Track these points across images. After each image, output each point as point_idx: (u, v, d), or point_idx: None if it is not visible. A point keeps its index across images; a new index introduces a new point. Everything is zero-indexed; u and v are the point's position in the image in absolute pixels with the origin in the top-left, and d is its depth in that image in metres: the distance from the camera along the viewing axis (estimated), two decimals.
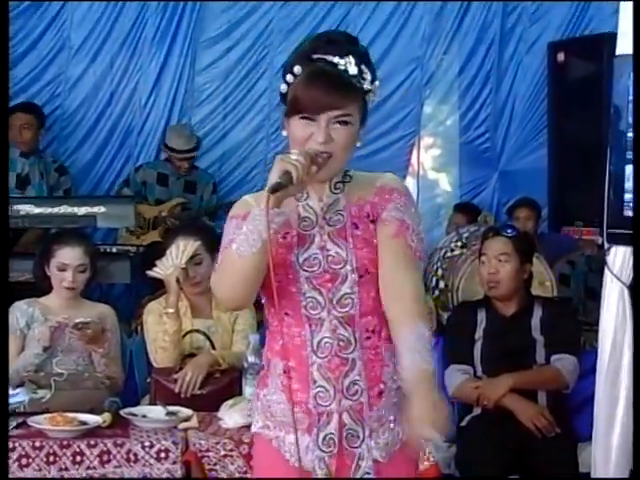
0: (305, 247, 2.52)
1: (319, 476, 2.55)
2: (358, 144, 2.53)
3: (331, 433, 2.54)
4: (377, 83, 2.53)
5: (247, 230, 2.42)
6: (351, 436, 2.55)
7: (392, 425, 2.57)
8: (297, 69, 2.47)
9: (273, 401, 2.58)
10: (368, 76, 2.50)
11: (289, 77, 2.50)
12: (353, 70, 2.47)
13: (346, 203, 2.55)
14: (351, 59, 2.47)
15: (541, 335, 4.51)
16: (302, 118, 2.46)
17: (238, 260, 2.43)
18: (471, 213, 6.99)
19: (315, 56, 2.47)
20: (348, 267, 2.52)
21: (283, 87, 2.52)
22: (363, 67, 2.49)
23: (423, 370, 2.41)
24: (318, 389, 2.53)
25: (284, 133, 2.55)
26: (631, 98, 3.81)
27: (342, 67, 2.47)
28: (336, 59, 2.46)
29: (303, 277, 2.52)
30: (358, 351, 2.52)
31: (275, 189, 2.38)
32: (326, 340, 2.52)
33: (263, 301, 2.62)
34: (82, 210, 5.73)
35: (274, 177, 2.39)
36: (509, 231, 4.65)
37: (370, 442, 2.55)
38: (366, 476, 2.56)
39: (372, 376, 2.54)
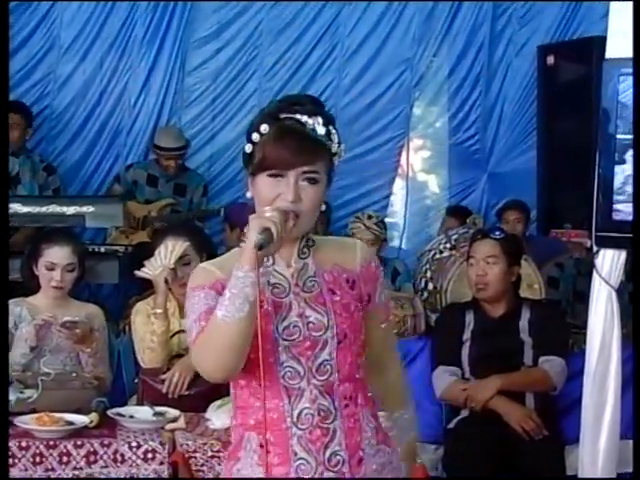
0: (283, 315, 2.44)
1: None
2: (323, 207, 2.48)
3: None
4: (342, 146, 2.48)
5: (231, 294, 2.29)
6: None
7: None
8: (264, 127, 2.42)
9: (247, 475, 2.46)
10: (335, 138, 2.46)
11: (255, 136, 2.43)
12: (321, 130, 2.43)
13: (316, 269, 2.50)
14: (319, 119, 2.43)
15: (529, 337, 4.52)
16: (270, 176, 2.41)
17: (224, 327, 2.30)
18: (463, 216, 6.99)
19: (282, 115, 2.43)
20: (329, 333, 2.45)
21: (248, 147, 2.45)
22: (331, 128, 2.45)
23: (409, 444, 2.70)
24: (299, 462, 2.44)
25: (248, 195, 2.48)
26: (621, 100, 3.82)
27: (310, 126, 2.43)
28: (304, 118, 2.43)
29: (282, 346, 2.43)
30: (338, 420, 2.45)
31: (261, 246, 2.29)
32: (306, 411, 2.44)
33: None
34: (71, 209, 5.72)
35: (253, 235, 2.29)
36: (497, 233, 4.67)
37: None
38: None
39: (352, 444, 2.47)
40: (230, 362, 2.35)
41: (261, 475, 2.43)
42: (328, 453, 2.45)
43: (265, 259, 2.41)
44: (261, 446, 2.43)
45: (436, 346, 4.67)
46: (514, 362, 4.50)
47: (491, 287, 4.55)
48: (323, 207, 2.48)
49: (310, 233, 2.53)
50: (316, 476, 2.44)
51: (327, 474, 2.44)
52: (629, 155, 3.85)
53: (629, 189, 3.85)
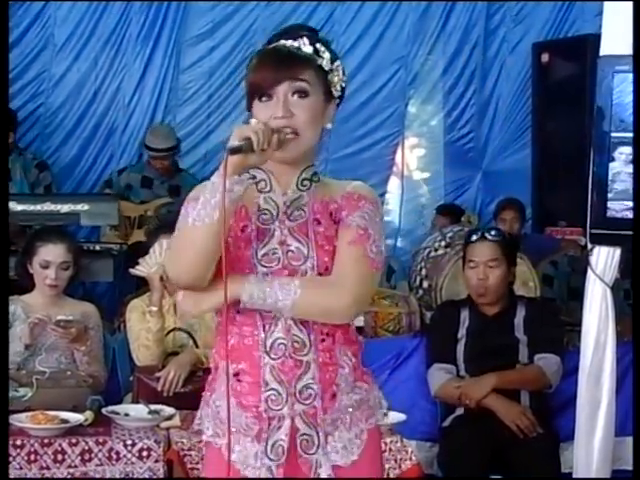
0: (264, 242, 2.41)
1: None
2: (329, 125, 2.46)
3: (281, 439, 2.41)
4: (338, 63, 2.46)
5: (204, 199, 2.31)
6: (306, 442, 2.43)
7: (348, 426, 2.46)
8: (252, 59, 2.44)
9: (222, 407, 2.43)
10: (326, 55, 2.43)
11: (246, 72, 2.44)
12: (307, 49, 2.41)
13: (309, 200, 2.45)
14: (305, 40, 2.42)
15: (524, 335, 4.51)
16: (260, 100, 2.39)
17: (194, 232, 2.31)
18: (454, 214, 6.99)
19: (268, 46, 2.46)
20: (308, 264, 2.40)
21: (244, 83, 2.45)
22: (319, 46, 2.43)
23: None
24: (270, 392, 2.40)
25: None
26: (615, 99, 3.82)
27: (294, 46, 2.42)
28: (289, 42, 2.43)
29: (260, 273, 2.39)
30: (313, 353, 2.41)
31: (234, 151, 2.27)
32: (280, 341, 2.40)
33: None
34: (65, 208, 5.71)
35: (232, 141, 2.28)
36: (493, 233, 4.61)
37: (327, 447, 2.44)
38: None
39: (326, 379, 2.42)
40: (197, 267, 2.34)
41: (233, 405, 2.41)
42: (300, 385, 2.41)
43: (264, 184, 2.43)
44: (235, 374, 2.41)
45: (431, 344, 4.66)
46: (509, 360, 4.49)
47: (491, 290, 4.53)
48: (329, 125, 2.44)
49: (315, 164, 2.49)
50: (286, 408, 2.40)
51: (297, 406, 2.41)
52: (618, 153, 3.86)
53: (622, 186, 3.86)
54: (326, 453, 2.44)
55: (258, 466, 2.42)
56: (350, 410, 2.46)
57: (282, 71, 2.37)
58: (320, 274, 2.41)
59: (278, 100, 2.37)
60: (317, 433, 2.43)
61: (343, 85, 2.48)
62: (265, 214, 2.43)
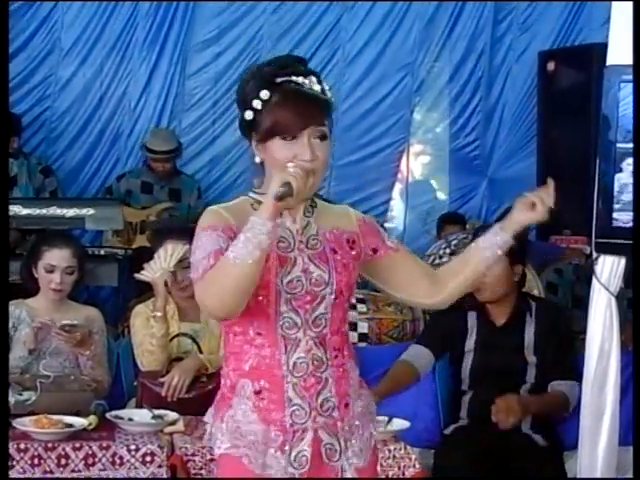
0: (287, 269, 2.56)
1: None
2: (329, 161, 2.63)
3: (304, 450, 2.58)
4: (333, 98, 2.62)
5: (245, 238, 2.38)
6: (329, 450, 2.61)
7: (361, 431, 2.66)
8: (264, 94, 2.52)
9: (241, 422, 2.57)
10: (329, 93, 2.59)
11: (256, 103, 2.53)
12: (317, 87, 2.56)
13: (318, 228, 2.64)
14: (312, 78, 2.56)
15: (534, 355, 4.42)
16: (283, 139, 2.52)
17: (233, 268, 2.39)
18: (459, 224, 6.98)
19: (279, 80, 2.53)
20: (328, 289, 2.59)
21: (248, 114, 2.55)
22: (324, 84, 2.58)
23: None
24: (294, 407, 2.57)
25: (257, 160, 2.57)
26: (621, 109, 3.82)
27: (309, 86, 2.55)
28: (300, 79, 2.54)
29: (284, 299, 2.55)
30: (329, 369, 2.61)
31: (280, 197, 2.38)
32: (302, 360, 2.57)
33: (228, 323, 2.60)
34: (70, 212, 5.73)
35: (275, 187, 2.39)
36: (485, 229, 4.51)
37: (347, 452, 2.63)
38: None
39: (341, 392, 2.62)
40: (233, 302, 2.44)
41: (255, 421, 2.56)
42: (320, 399, 2.59)
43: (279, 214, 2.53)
44: (255, 393, 2.56)
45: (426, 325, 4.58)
46: (516, 381, 4.42)
47: (490, 287, 4.39)
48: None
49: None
50: (309, 421, 2.58)
51: (319, 418, 2.59)
52: (626, 164, 3.86)
53: (629, 197, 3.86)
54: (348, 458, 2.63)
55: (281, 474, 2.57)
56: (361, 416, 2.67)
57: (309, 117, 2.51)
58: (336, 298, 2.60)
59: (303, 144, 2.51)
60: (338, 441, 2.62)
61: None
62: (283, 242, 2.58)
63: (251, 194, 2.63)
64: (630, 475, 4.69)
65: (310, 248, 2.61)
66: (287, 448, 2.57)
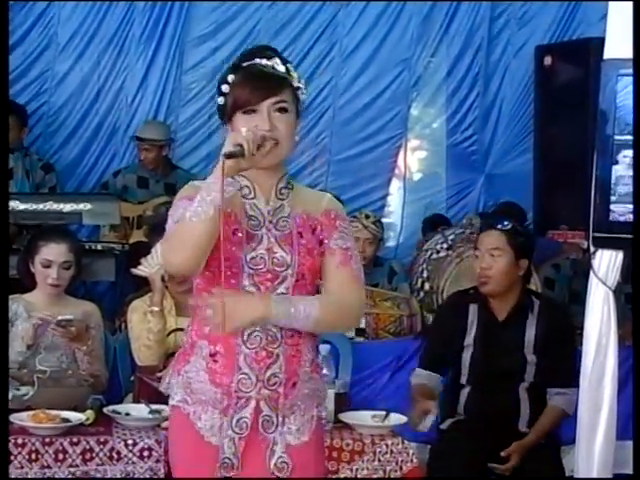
0: (253, 246, 2.75)
1: (226, 455, 2.77)
2: (296, 138, 2.80)
3: (245, 417, 2.77)
4: (303, 81, 2.82)
5: (200, 197, 2.60)
6: (266, 422, 2.79)
7: (302, 412, 2.83)
8: (230, 77, 2.75)
9: (194, 379, 2.78)
10: (295, 74, 2.80)
11: (224, 87, 2.76)
12: (281, 68, 2.76)
13: (290, 211, 2.81)
14: (277, 60, 2.77)
15: (533, 354, 4.40)
16: (244, 113, 2.72)
17: (191, 226, 2.60)
18: (439, 224, 6.96)
19: (245, 64, 2.76)
20: (289, 271, 2.76)
21: (220, 99, 2.77)
22: (289, 66, 2.79)
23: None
24: (242, 375, 2.75)
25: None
26: (618, 102, 3.82)
27: (270, 66, 2.76)
28: (264, 61, 2.76)
29: (247, 273, 2.74)
30: (282, 347, 2.77)
31: (230, 155, 2.59)
32: (257, 333, 2.74)
33: (196, 285, 2.81)
34: (67, 207, 5.72)
35: (227, 147, 2.61)
36: (505, 223, 4.48)
37: (283, 428, 2.81)
38: (280, 459, 2.80)
39: (290, 369, 2.78)
40: (192, 257, 2.64)
41: (205, 381, 2.76)
42: (269, 373, 2.77)
43: (247, 191, 2.79)
44: (210, 355, 2.76)
45: (426, 345, 4.57)
46: (514, 378, 4.40)
47: (494, 281, 4.37)
48: (296, 138, 2.80)
49: (287, 173, 2.85)
50: (254, 391, 2.75)
51: (264, 391, 2.76)
52: (622, 156, 3.86)
53: (625, 189, 3.86)
54: (282, 433, 2.81)
55: (222, 436, 2.78)
56: (306, 398, 2.83)
57: (266, 90, 2.72)
58: (297, 280, 2.77)
59: (262, 114, 2.72)
60: (277, 415, 2.80)
61: (304, 102, 2.86)
62: (253, 220, 2.78)
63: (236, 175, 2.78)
64: (628, 470, 4.71)
65: (278, 230, 2.79)
66: (230, 412, 2.76)
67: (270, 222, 2.79)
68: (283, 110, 2.74)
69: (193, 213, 2.60)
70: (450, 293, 5.08)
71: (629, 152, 3.83)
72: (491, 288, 4.40)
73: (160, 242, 2.75)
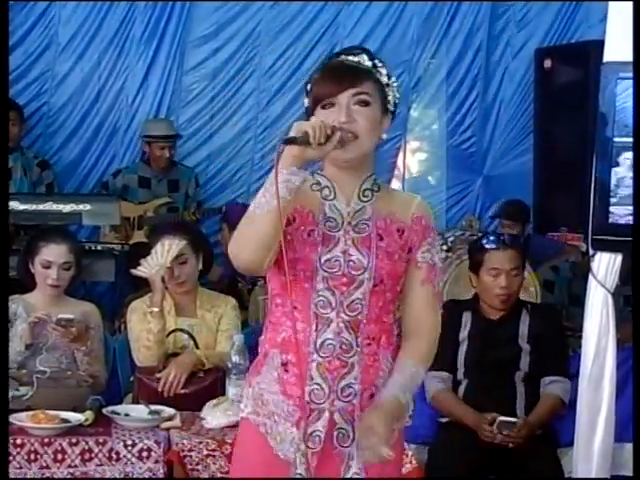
0: (329, 248, 2.59)
1: (298, 470, 2.60)
2: (384, 136, 2.65)
3: (318, 430, 2.60)
4: (394, 79, 2.67)
5: (263, 189, 2.47)
6: (342, 435, 2.61)
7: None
8: (315, 76, 2.64)
9: (265, 390, 2.64)
10: (384, 70, 2.64)
11: (309, 86, 2.64)
12: (366, 63, 2.62)
13: (372, 214, 2.64)
14: (364, 56, 2.63)
15: (527, 344, 4.47)
16: (323, 107, 2.57)
17: (254, 218, 2.48)
18: None
19: (328, 61, 2.68)
20: (366, 275, 2.59)
21: (305, 101, 2.65)
22: (377, 62, 2.64)
23: (395, 397, 2.59)
24: (314, 386, 2.60)
25: None
26: (618, 103, 3.83)
27: (354, 60, 2.62)
28: (350, 57, 2.63)
29: (321, 276, 2.59)
30: (358, 356, 2.60)
31: (288, 141, 2.43)
32: (329, 341, 2.60)
33: (271, 291, 2.68)
34: (67, 207, 5.73)
35: (291, 134, 2.45)
36: (512, 240, 4.63)
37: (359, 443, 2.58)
38: (355, 476, 2.62)
39: (367, 380, 2.61)
40: (255, 253, 2.50)
41: (277, 392, 2.63)
42: (343, 384, 2.60)
43: (328, 192, 2.63)
44: (282, 364, 2.62)
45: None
46: (510, 368, 4.46)
47: (513, 297, 4.53)
48: (384, 136, 2.64)
49: (374, 175, 2.67)
50: (327, 402, 2.59)
51: (338, 403, 2.60)
52: (623, 158, 3.86)
53: (625, 192, 3.87)
54: (360, 449, 2.59)
55: (293, 450, 2.61)
56: (386, 412, 2.58)
57: (345, 81, 2.56)
58: (375, 285, 2.60)
59: (340, 107, 2.55)
60: (353, 429, 2.61)
61: (397, 101, 2.68)
62: (330, 222, 2.62)
63: (315, 174, 2.68)
64: (625, 472, 4.72)
65: (356, 232, 2.62)
66: (303, 425, 2.60)
67: (349, 224, 2.62)
68: (364, 103, 2.57)
69: (257, 205, 2.48)
70: (450, 294, 5.13)
71: (629, 154, 3.85)
72: (509, 304, 4.52)
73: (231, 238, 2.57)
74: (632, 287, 4.20)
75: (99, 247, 5.99)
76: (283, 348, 2.62)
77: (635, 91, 3.78)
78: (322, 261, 2.58)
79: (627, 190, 3.87)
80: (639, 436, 3.88)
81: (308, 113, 2.63)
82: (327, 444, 2.61)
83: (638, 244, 3.82)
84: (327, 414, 2.60)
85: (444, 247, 5.46)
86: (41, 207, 5.66)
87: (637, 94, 3.78)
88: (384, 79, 2.63)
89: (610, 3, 3.93)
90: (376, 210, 2.65)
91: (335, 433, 2.61)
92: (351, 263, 2.59)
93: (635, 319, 4.05)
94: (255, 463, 2.66)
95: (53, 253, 4.38)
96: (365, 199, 2.65)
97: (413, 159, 7.96)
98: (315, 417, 2.61)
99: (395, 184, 7.78)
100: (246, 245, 2.51)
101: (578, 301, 5.26)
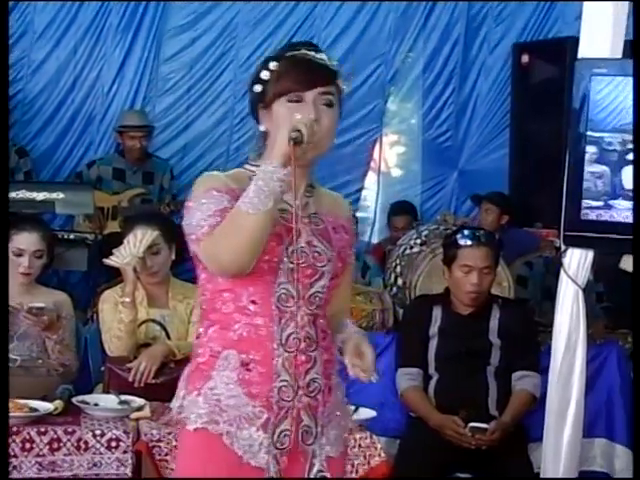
0: (292, 240, 2.50)
1: (272, 474, 2.49)
2: (334, 140, 2.58)
3: (286, 429, 2.50)
4: (345, 85, 2.60)
5: (257, 187, 2.36)
6: (306, 433, 2.53)
7: (339, 421, 2.59)
8: (273, 65, 2.52)
9: (223, 395, 2.48)
10: (340, 75, 2.57)
11: (265, 74, 2.52)
12: (334, 64, 2.56)
13: (316, 210, 2.60)
14: (323, 55, 2.55)
15: (498, 338, 4.48)
16: (289, 101, 2.49)
17: (246, 219, 2.36)
18: (409, 213, 6.99)
19: (288, 54, 2.55)
20: (327, 267, 2.55)
21: (257, 87, 2.54)
22: (332, 61, 2.57)
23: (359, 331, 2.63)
24: (282, 383, 2.49)
25: (261, 128, 2.55)
26: (592, 101, 3.84)
27: (320, 57, 2.54)
28: (312, 52, 2.54)
29: (285, 268, 2.49)
30: (319, 350, 2.53)
31: (294, 141, 2.38)
32: (294, 336, 2.50)
33: (213, 287, 2.53)
34: (41, 195, 5.70)
35: (286, 132, 2.38)
36: (486, 236, 4.60)
37: (322, 439, 2.55)
38: (320, 474, 2.56)
39: (326, 374, 2.54)
40: (248, 255, 2.40)
41: (239, 394, 2.48)
42: (308, 379, 2.51)
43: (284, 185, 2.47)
44: (242, 364, 2.48)
45: (400, 343, 4.65)
46: (481, 362, 4.48)
47: (483, 295, 4.53)
48: (335, 140, 2.57)
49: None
50: (295, 399, 2.50)
51: (304, 398, 2.51)
52: (591, 153, 3.88)
53: (597, 188, 3.88)
54: (321, 445, 2.56)
55: (263, 454, 2.49)
56: (341, 405, 2.61)
57: (316, 79, 2.50)
58: (332, 278, 2.56)
59: (308, 104, 2.48)
60: (316, 425, 2.54)
61: (341, 111, 2.61)
62: (284, 213, 2.52)
63: (247, 166, 2.58)
64: (596, 467, 4.75)
65: (314, 224, 2.57)
66: (270, 427, 2.49)
67: (303, 217, 2.55)
68: (329, 104, 2.51)
69: (249, 205, 2.35)
70: (423, 288, 5.13)
71: (591, 148, 3.86)
72: (479, 301, 4.52)
73: (203, 241, 2.43)
74: (631, 287, 4.20)
75: (72, 236, 5.95)
76: (241, 347, 2.48)
77: (635, 90, 3.79)
78: (289, 252, 2.49)
79: (600, 187, 3.89)
80: (639, 436, 3.90)
81: (260, 102, 2.54)
82: (294, 443, 2.51)
83: (638, 242, 3.82)
84: (294, 412, 2.50)
85: (418, 241, 5.46)
86: (14, 195, 5.61)
87: (637, 93, 3.78)
88: (341, 83, 2.57)
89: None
90: (319, 206, 2.61)
91: (300, 431, 2.51)
92: (316, 254, 2.53)
93: (635, 317, 4.06)
94: (221, 474, 2.49)
95: (25, 241, 4.36)
96: (308, 195, 2.59)
97: (389, 152, 7.99)
98: (282, 416, 2.49)
99: (371, 177, 7.80)
100: (233, 247, 2.39)
101: (551, 297, 5.27)
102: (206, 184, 2.51)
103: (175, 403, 2.55)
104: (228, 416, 2.47)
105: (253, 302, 2.49)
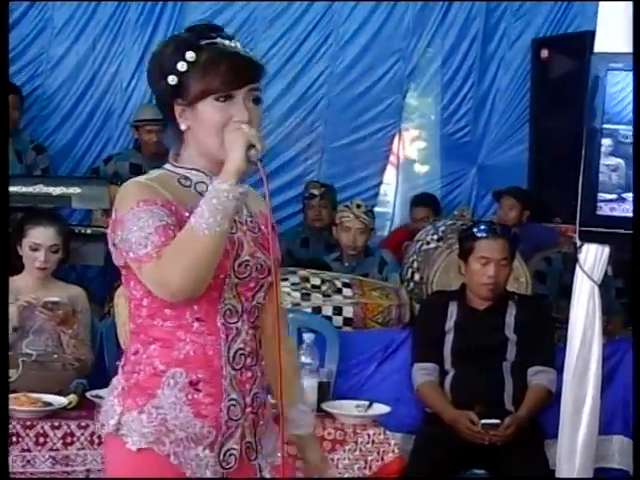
0: (237, 252, 2.36)
1: None
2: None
3: (232, 448, 2.40)
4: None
5: (212, 207, 2.20)
6: (248, 449, 2.44)
7: (271, 430, 2.51)
8: (190, 55, 2.30)
9: (170, 415, 2.34)
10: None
11: (181, 65, 2.30)
12: (252, 55, 2.40)
13: (247, 210, 2.44)
14: (238, 44, 2.37)
15: (514, 333, 4.47)
16: (217, 100, 2.30)
17: (202, 241, 2.19)
18: (432, 205, 6.97)
19: (204, 42, 2.33)
20: (268, 279, 2.42)
21: (172, 78, 2.31)
22: (249, 52, 2.40)
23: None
24: (231, 402, 2.38)
25: (182, 127, 2.35)
26: (607, 95, 3.82)
27: (240, 48, 2.37)
28: (227, 42, 2.35)
29: (231, 283, 2.35)
30: (259, 363, 2.45)
31: (253, 159, 2.24)
32: (241, 352, 2.39)
33: (149, 304, 2.36)
34: (57, 190, 5.70)
35: (241, 149, 2.23)
36: (502, 229, 4.61)
37: (263, 451, 2.48)
38: None
39: (263, 386, 2.47)
40: (202, 278, 2.24)
41: (187, 414, 2.35)
42: (252, 394, 2.42)
43: (204, 187, 2.34)
44: (190, 384, 2.35)
45: (416, 338, 4.64)
46: (496, 358, 4.46)
47: (500, 287, 4.52)
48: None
49: None
50: (242, 417, 2.40)
51: (250, 416, 2.42)
52: (607, 146, 3.85)
53: (613, 182, 3.86)
54: (263, 457, 2.47)
55: (209, 474, 2.37)
56: (270, 416, 2.52)
57: (247, 75, 2.33)
58: (268, 288, 2.44)
59: (238, 103, 2.31)
60: (255, 439, 2.46)
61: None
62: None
63: (169, 167, 2.41)
64: (613, 464, 4.72)
65: (252, 232, 2.42)
66: (217, 446, 2.38)
67: (241, 223, 2.40)
68: (257, 101, 2.34)
69: (204, 226, 2.19)
70: (440, 284, 5.12)
71: (606, 141, 3.83)
72: (496, 293, 4.51)
73: (147, 262, 2.24)
74: (632, 283, 4.19)
75: (89, 231, 5.94)
76: (188, 366, 2.33)
77: (635, 88, 3.76)
78: (236, 266, 2.35)
79: (615, 179, 3.86)
80: (639, 435, 3.88)
81: (178, 95, 2.32)
82: (240, 461, 2.42)
83: (638, 241, 3.80)
84: (240, 429, 2.40)
85: (435, 236, 5.44)
86: (31, 189, 5.63)
87: (637, 91, 3.76)
88: (263, 66, 2.41)
89: None
90: (248, 207, 2.44)
91: (244, 447, 2.42)
92: (259, 266, 2.39)
93: (635, 315, 4.04)
94: None
95: (41, 236, 4.38)
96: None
97: (407, 147, 7.96)
98: (229, 434, 2.39)
99: (390, 172, 7.78)
100: (186, 270, 2.21)
101: (568, 293, 5.24)
102: (136, 195, 2.30)
103: (109, 420, 2.39)
104: (175, 436, 2.35)
105: (198, 319, 2.35)
